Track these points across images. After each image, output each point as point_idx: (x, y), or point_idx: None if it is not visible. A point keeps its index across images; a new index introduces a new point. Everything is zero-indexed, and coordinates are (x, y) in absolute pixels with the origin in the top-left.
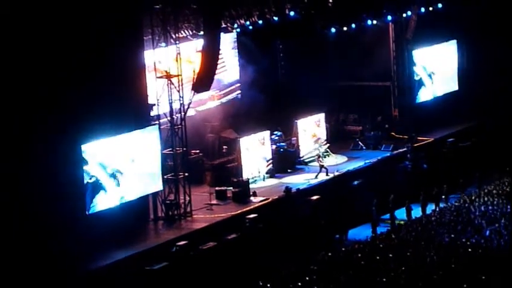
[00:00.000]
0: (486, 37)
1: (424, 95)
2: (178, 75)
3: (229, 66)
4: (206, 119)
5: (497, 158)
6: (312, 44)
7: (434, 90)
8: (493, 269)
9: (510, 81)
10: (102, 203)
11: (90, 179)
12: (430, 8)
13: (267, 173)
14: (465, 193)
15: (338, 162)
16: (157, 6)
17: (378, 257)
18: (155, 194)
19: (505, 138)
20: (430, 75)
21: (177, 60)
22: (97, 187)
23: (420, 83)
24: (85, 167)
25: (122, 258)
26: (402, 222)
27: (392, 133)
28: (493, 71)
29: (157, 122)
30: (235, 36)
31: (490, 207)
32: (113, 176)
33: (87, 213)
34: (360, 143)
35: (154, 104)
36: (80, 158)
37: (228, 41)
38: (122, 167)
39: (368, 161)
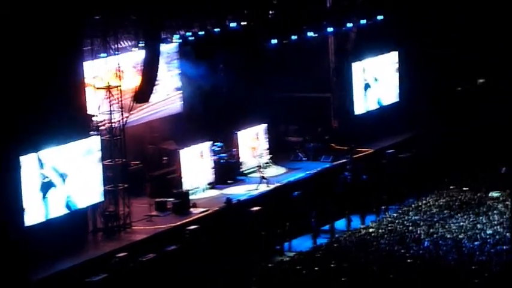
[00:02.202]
0: (427, 48)
1: (369, 104)
2: (117, 86)
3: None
4: (146, 130)
5: (437, 169)
6: (253, 55)
7: (379, 98)
8: (431, 280)
9: (449, 92)
10: (51, 198)
11: (45, 179)
12: (370, 21)
13: (207, 184)
14: (404, 204)
15: (278, 173)
16: (97, 17)
17: (318, 268)
18: (95, 205)
19: (444, 149)
20: (376, 79)
21: (116, 71)
22: (49, 185)
23: (367, 86)
24: (41, 170)
25: (60, 269)
26: (342, 233)
27: (332, 144)
28: (433, 82)
29: (96, 133)
30: (177, 47)
31: (429, 218)
32: (61, 176)
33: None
34: (300, 154)
35: (94, 115)
36: (18, 170)
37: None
38: (69, 171)
39: (308, 172)
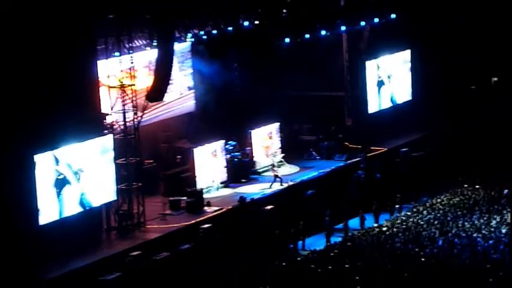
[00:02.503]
0: (440, 47)
1: (383, 102)
2: (131, 85)
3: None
4: (160, 129)
5: (450, 168)
6: (266, 54)
7: (392, 95)
8: (445, 278)
9: (462, 91)
10: (66, 195)
11: (59, 176)
12: (384, 19)
13: (221, 182)
14: (418, 203)
15: (292, 172)
16: (111, 16)
17: (331, 267)
18: (108, 204)
19: (457, 148)
20: (389, 77)
21: (130, 70)
22: (64, 182)
23: (381, 83)
24: (56, 167)
25: (75, 268)
26: (356, 231)
27: (346, 143)
28: (446, 80)
29: (110, 132)
30: (190, 46)
31: (443, 217)
32: (76, 173)
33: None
34: (313, 152)
35: (107, 114)
36: (33, 169)
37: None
38: (83, 168)
39: (322, 170)
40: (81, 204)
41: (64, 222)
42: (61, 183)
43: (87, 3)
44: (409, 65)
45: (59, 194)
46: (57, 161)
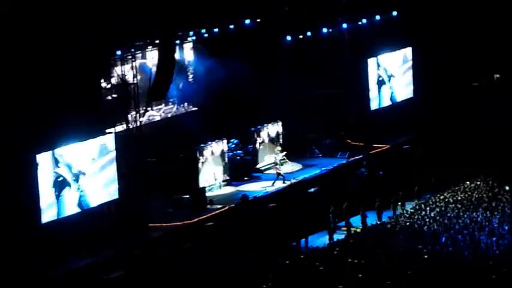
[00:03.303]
0: (441, 45)
1: (383, 100)
2: (134, 84)
3: None
4: (162, 127)
5: (451, 165)
6: (268, 52)
7: (392, 93)
8: (449, 275)
9: (463, 89)
10: (66, 197)
11: (59, 178)
12: (385, 17)
13: (223, 181)
14: (421, 200)
15: (294, 170)
16: (114, 14)
17: (334, 264)
18: (111, 203)
19: (459, 144)
20: (389, 76)
21: (133, 68)
22: (63, 184)
23: (382, 82)
24: (56, 169)
25: (78, 266)
26: (358, 229)
27: (348, 140)
28: (448, 78)
29: (112, 131)
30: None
31: (446, 214)
32: (76, 175)
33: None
34: (316, 150)
35: (110, 112)
36: (35, 167)
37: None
38: (84, 169)
39: (324, 168)
40: (80, 205)
41: (66, 221)
42: (60, 185)
43: (87, 2)
44: (410, 62)
45: (58, 196)
46: (56, 162)
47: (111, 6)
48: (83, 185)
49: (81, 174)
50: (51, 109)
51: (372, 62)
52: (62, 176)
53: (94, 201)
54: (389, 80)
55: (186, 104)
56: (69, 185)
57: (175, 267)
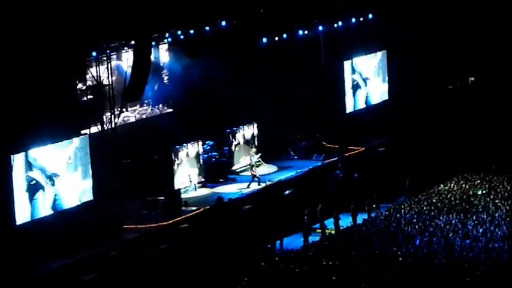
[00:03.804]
0: (416, 48)
1: (358, 103)
2: (109, 85)
3: None
4: (137, 129)
5: (427, 168)
6: (244, 54)
7: (367, 96)
8: (423, 278)
9: (438, 92)
10: (40, 200)
11: (32, 181)
12: (361, 18)
13: (198, 182)
14: (396, 202)
15: (270, 172)
16: (90, 16)
17: (309, 267)
18: (87, 204)
19: (435, 147)
20: (364, 80)
21: (108, 69)
22: (37, 187)
23: (357, 87)
24: (29, 173)
25: (53, 268)
26: (333, 231)
27: (324, 142)
28: (421, 81)
29: (88, 132)
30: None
31: (420, 217)
32: (50, 177)
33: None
34: (291, 152)
35: (86, 113)
36: (9, 168)
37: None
38: (58, 171)
39: (299, 170)
40: (54, 208)
41: (40, 222)
42: (33, 188)
43: (65, 4)
44: (385, 64)
45: (31, 199)
46: (30, 166)
47: (87, 7)
48: (57, 187)
49: (54, 176)
50: (26, 110)
51: (347, 65)
52: (35, 179)
53: (68, 203)
54: (365, 84)
55: (161, 106)
56: (42, 188)
57: (150, 269)
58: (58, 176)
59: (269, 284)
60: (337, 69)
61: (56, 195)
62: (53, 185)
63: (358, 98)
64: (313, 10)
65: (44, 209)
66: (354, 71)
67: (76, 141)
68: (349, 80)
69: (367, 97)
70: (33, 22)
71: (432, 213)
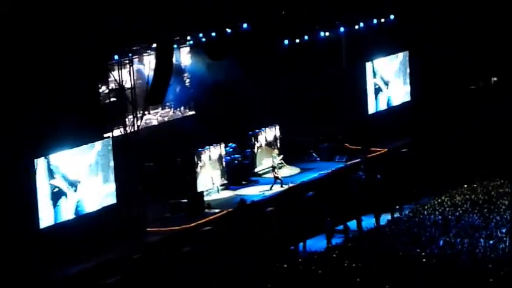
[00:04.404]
0: (438, 49)
1: (380, 105)
2: (131, 88)
3: None
4: (160, 131)
5: (450, 168)
6: (266, 56)
7: (389, 99)
8: (447, 279)
9: (461, 92)
10: (62, 206)
11: (54, 189)
12: (383, 20)
13: (221, 185)
14: (419, 203)
15: (292, 174)
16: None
17: (332, 268)
18: (110, 207)
19: (457, 148)
20: (386, 83)
21: (130, 73)
22: (59, 194)
23: (378, 90)
24: (52, 181)
25: (76, 271)
26: (356, 233)
27: (346, 144)
28: (445, 81)
29: (110, 135)
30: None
31: (444, 217)
32: (72, 184)
33: (46, 224)
34: (314, 154)
35: (108, 117)
36: (33, 172)
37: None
38: (80, 177)
39: (322, 172)
40: (76, 213)
41: (64, 226)
42: (56, 196)
43: (87, 6)
44: (407, 65)
45: (54, 205)
46: (52, 173)
47: (110, 9)
48: (79, 192)
49: (77, 182)
50: (49, 113)
51: (368, 66)
52: (57, 187)
53: (91, 207)
54: (386, 87)
55: (182, 108)
56: (65, 194)
57: (174, 271)
58: (80, 182)
59: (292, 285)
60: (358, 71)
61: (78, 201)
62: (76, 191)
63: (379, 100)
64: (335, 11)
65: (67, 214)
66: (375, 74)
67: (98, 145)
68: (371, 82)
69: (388, 99)
70: (56, 23)
71: (456, 213)
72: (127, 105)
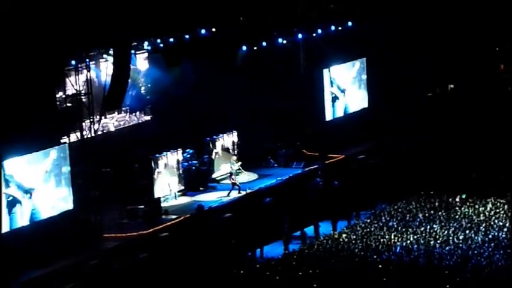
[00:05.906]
0: (395, 56)
1: (337, 112)
2: (88, 93)
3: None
4: (117, 137)
5: (406, 175)
6: (224, 62)
7: (346, 106)
8: (403, 285)
9: (418, 98)
10: (18, 213)
11: (9, 198)
12: (340, 27)
13: (179, 191)
14: (376, 210)
15: (250, 180)
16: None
17: (291, 274)
18: (66, 213)
19: (414, 154)
20: (343, 91)
21: (87, 78)
22: (14, 202)
23: (335, 99)
24: (6, 190)
25: (31, 278)
26: (313, 239)
27: (304, 150)
28: (402, 88)
29: (67, 140)
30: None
31: (401, 224)
32: (27, 192)
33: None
34: (271, 160)
35: (65, 121)
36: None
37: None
38: (35, 184)
39: (280, 178)
40: (32, 219)
41: (20, 232)
42: (11, 204)
43: (44, 13)
44: (364, 72)
45: (9, 212)
46: (7, 182)
47: (65, 16)
48: (34, 200)
49: (32, 190)
50: (5, 119)
51: (326, 73)
52: (11, 195)
53: (47, 213)
54: (343, 95)
55: (138, 113)
56: (19, 202)
57: (130, 278)
58: (35, 189)
59: None
60: (316, 78)
61: (33, 208)
62: (30, 198)
63: (336, 107)
64: (293, 18)
65: (22, 221)
66: (332, 83)
67: (53, 154)
68: (328, 91)
69: (346, 107)
70: (9, 29)
71: (412, 220)
72: (83, 111)
